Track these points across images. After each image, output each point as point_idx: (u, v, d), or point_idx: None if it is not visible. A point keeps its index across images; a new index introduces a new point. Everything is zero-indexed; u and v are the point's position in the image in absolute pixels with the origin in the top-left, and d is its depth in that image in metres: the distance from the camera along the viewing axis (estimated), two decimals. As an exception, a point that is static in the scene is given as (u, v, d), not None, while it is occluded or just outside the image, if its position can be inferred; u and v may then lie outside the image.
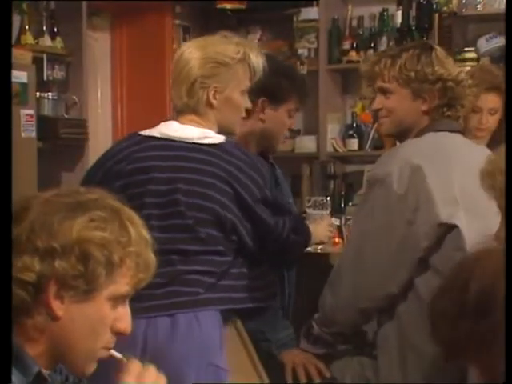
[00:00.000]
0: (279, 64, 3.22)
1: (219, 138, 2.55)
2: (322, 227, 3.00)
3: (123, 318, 1.52)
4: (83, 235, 1.44)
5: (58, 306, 1.46)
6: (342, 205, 5.52)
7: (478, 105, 3.27)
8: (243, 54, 2.55)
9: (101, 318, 1.49)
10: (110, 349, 1.53)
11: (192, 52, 2.54)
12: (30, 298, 1.45)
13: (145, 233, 1.52)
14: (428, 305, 1.33)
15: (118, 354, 1.57)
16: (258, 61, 2.59)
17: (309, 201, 3.47)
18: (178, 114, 2.60)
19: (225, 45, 2.57)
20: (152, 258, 1.53)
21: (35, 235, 1.44)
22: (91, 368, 1.52)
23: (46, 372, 1.50)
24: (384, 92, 2.64)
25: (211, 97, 2.53)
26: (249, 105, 2.63)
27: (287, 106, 3.02)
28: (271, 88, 2.96)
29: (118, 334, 1.52)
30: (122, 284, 1.49)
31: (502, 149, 1.89)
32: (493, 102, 3.32)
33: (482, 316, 1.18)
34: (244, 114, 2.63)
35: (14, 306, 1.45)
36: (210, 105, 2.54)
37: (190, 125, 2.56)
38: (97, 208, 1.48)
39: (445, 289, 1.26)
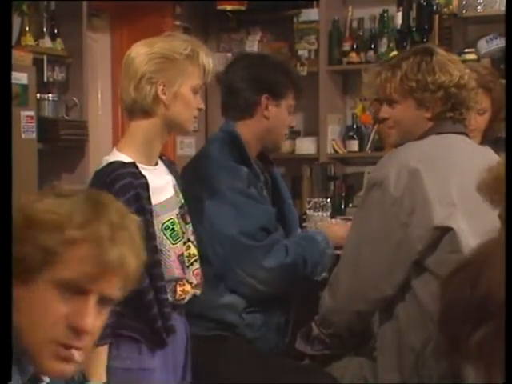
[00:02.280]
0: (275, 60, 3.23)
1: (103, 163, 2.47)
2: (342, 231, 3.03)
3: (80, 312, 1.43)
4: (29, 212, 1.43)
5: None
6: (343, 206, 5.52)
7: None
8: (191, 51, 2.49)
9: (44, 307, 1.42)
10: (69, 347, 1.43)
11: (139, 49, 2.50)
12: None
13: (126, 232, 1.45)
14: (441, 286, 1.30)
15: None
16: (207, 59, 2.52)
17: (309, 202, 3.47)
18: (127, 115, 2.54)
19: (172, 41, 2.53)
20: (132, 264, 1.45)
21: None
22: (58, 367, 1.44)
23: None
24: (389, 102, 2.65)
25: (160, 92, 2.46)
26: (202, 105, 2.56)
27: (287, 101, 3.05)
28: (272, 83, 3.01)
29: (75, 330, 1.43)
30: (66, 270, 1.41)
31: (502, 157, 1.86)
32: (480, 101, 3.28)
33: (485, 319, 1.17)
34: (197, 114, 2.55)
35: None
36: (158, 101, 2.47)
37: (119, 147, 2.51)
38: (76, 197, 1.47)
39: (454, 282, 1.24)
